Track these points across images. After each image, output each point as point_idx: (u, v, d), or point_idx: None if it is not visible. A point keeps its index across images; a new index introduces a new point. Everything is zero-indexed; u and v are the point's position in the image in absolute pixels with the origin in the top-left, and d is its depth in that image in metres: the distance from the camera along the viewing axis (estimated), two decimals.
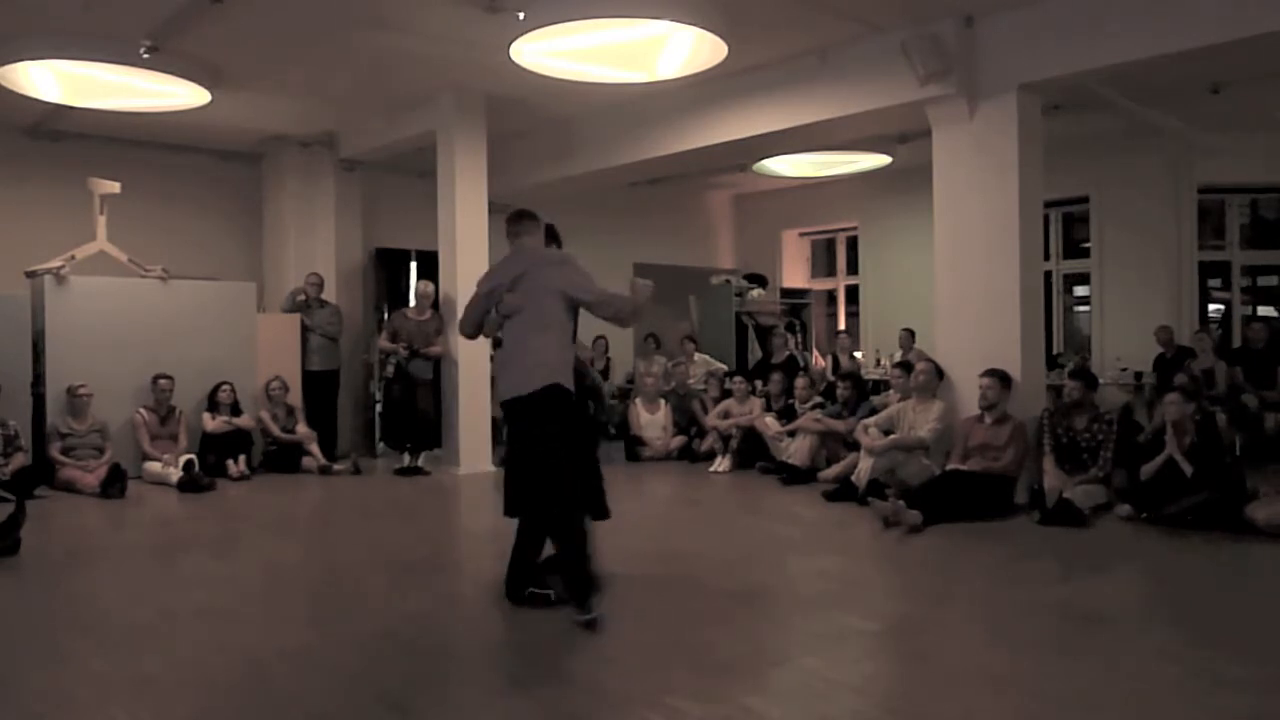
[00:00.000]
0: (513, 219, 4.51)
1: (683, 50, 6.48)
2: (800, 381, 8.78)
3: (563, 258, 4.43)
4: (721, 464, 8.58)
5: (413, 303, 9.09)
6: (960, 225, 6.92)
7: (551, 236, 4.83)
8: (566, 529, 4.08)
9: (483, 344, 8.54)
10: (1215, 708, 3.04)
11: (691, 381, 10.15)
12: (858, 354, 11.35)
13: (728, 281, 12.32)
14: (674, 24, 6.01)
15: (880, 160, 10.29)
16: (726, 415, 9.00)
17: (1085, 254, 10.70)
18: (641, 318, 4.61)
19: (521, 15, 6.00)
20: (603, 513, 4.48)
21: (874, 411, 7.70)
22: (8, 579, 4.84)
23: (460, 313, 4.71)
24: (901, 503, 5.94)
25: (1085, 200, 10.44)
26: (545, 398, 4.14)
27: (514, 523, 4.35)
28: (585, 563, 4.04)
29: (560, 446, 4.14)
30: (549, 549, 4.27)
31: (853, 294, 13.04)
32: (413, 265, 10.56)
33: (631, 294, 4.33)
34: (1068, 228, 11.01)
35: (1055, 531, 5.74)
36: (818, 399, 8.61)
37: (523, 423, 4.24)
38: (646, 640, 3.79)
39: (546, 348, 4.21)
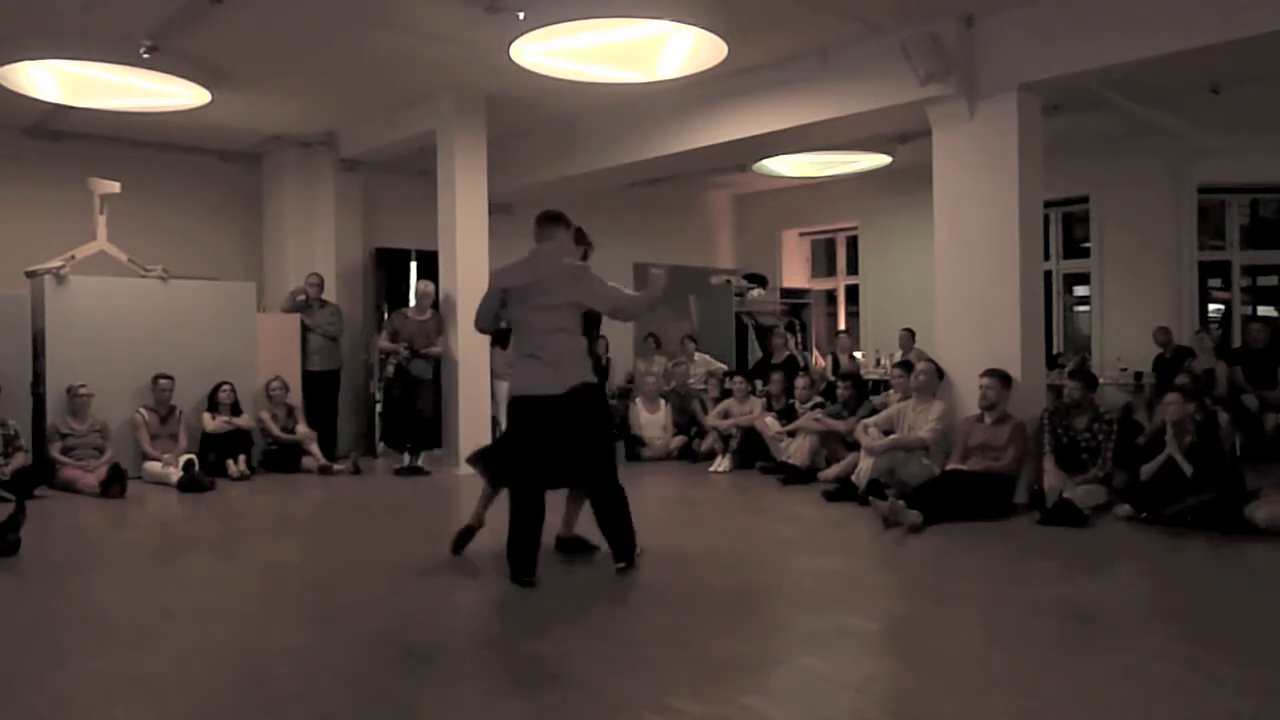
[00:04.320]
0: (540, 221, 4.74)
1: (683, 50, 6.48)
2: (800, 381, 8.78)
3: (579, 272, 4.64)
4: (721, 464, 8.58)
5: (413, 303, 9.09)
6: (960, 225, 6.91)
7: (580, 240, 5.08)
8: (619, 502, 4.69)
9: (483, 344, 8.61)
10: (1215, 708, 3.03)
11: (691, 381, 10.15)
12: (858, 354, 11.35)
13: (728, 281, 12.31)
14: (674, 24, 6.01)
15: (880, 160, 10.29)
16: (726, 415, 9.00)
17: (1085, 254, 10.70)
18: (654, 309, 5.07)
19: (521, 15, 6.01)
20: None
21: (874, 411, 7.70)
22: (8, 579, 4.84)
23: (461, 310, 4.99)
24: (901, 503, 5.94)
25: (1085, 200, 10.44)
26: (580, 396, 4.52)
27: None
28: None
29: (608, 436, 4.71)
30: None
31: (853, 294, 13.04)
32: (413, 265, 10.56)
33: (648, 291, 4.83)
34: (1068, 228, 11.02)
35: (1055, 531, 5.74)
36: (818, 399, 8.61)
37: (560, 421, 4.55)
38: (646, 640, 3.79)
39: (572, 350, 4.59)
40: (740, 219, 13.72)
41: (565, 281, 4.55)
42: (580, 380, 4.53)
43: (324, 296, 9.45)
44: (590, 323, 4.95)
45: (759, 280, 12.54)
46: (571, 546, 5.14)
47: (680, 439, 9.42)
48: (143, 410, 8.18)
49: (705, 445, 9.10)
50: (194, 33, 6.66)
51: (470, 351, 8.55)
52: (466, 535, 5.16)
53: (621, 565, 4.69)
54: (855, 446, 7.35)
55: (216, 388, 8.45)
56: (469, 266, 8.53)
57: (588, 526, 5.07)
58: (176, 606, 4.30)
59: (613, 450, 4.80)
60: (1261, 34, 5.57)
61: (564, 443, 4.56)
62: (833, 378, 9.52)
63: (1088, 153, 9.79)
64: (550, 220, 4.70)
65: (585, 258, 5.10)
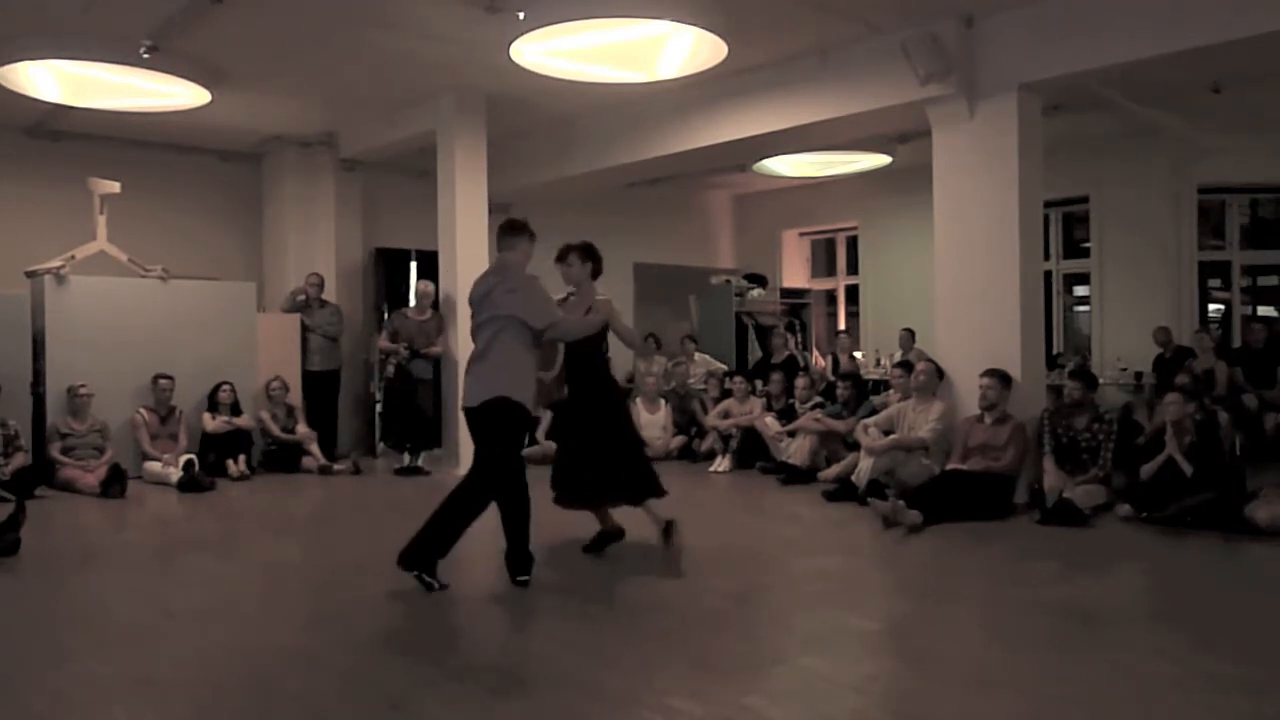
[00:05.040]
0: (500, 231, 4.70)
1: (683, 50, 6.48)
2: (800, 381, 8.78)
3: (518, 284, 4.52)
4: (721, 464, 8.58)
5: (413, 303, 9.09)
6: (960, 225, 6.91)
7: (589, 257, 5.00)
8: (517, 513, 4.50)
9: None
10: (1215, 708, 3.04)
11: (691, 381, 10.15)
12: (858, 354, 11.35)
13: (728, 281, 12.32)
14: (674, 24, 6.01)
15: (880, 160, 10.29)
16: (726, 415, 9.00)
17: (1085, 254, 10.70)
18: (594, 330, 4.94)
19: (522, 15, 6.01)
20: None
21: (874, 411, 7.70)
22: (8, 579, 4.84)
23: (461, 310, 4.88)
24: (901, 502, 5.94)
25: (1085, 200, 10.44)
26: (491, 411, 4.44)
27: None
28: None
29: (514, 452, 4.55)
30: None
31: (853, 294, 13.04)
32: (413, 265, 10.56)
33: (589, 318, 4.82)
34: (1068, 228, 11.02)
35: (1055, 531, 5.74)
36: (818, 399, 8.61)
37: (476, 432, 4.56)
38: (646, 640, 3.79)
39: (501, 364, 4.48)
40: (740, 219, 13.72)
41: (505, 294, 4.50)
42: (493, 394, 4.44)
43: (324, 296, 9.45)
44: (591, 339, 4.94)
45: (759, 280, 12.54)
46: (609, 539, 5.20)
47: (680, 439, 9.42)
48: (143, 410, 8.17)
49: (705, 445, 9.10)
50: (194, 33, 6.66)
51: (470, 352, 8.54)
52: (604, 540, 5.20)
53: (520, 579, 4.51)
54: (855, 446, 7.35)
55: (216, 388, 8.45)
56: (469, 266, 8.49)
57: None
58: (176, 606, 4.30)
59: (501, 467, 4.52)
60: (1261, 34, 5.57)
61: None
62: (833, 378, 9.51)
63: (1088, 153, 9.79)
64: (511, 230, 4.65)
65: (595, 275, 5.05)
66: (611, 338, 5.18)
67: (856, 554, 5.47)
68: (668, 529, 4.77)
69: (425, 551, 4.39)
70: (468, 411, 4.57)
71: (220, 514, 6.90)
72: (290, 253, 9.95)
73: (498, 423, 4.47)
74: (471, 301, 4.69)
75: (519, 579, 4.48)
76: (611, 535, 5.21)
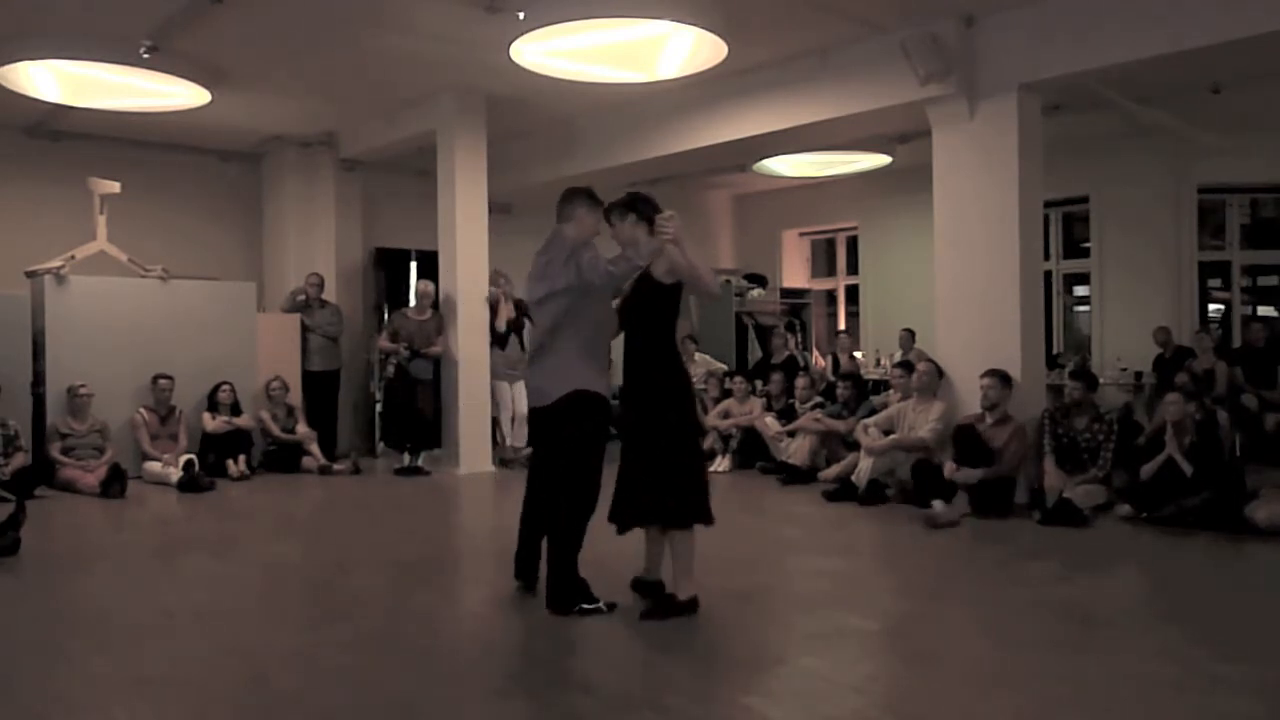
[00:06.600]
0: (559, 201, 4.21)
1: (683, 50, 6.49)
2: (800, 381, 8.78)
3: (571, 251, 4.02)
4: (721, 464, 8.57)
5: (413, 302, 9.09)
6: (960, 225, 6.92)
7: (631, 208, 4.17)
8: (573, 531, 4.06)
9: (483, 344, 8.63)
10: (1215, 708, 3.04)
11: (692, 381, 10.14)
12: (858, 354, 11.35)
13: (728, 281, 12.30)
14: (674, 24, 6.02)
15: (880, 160, 10.29)
16: (726, 415, 9.00)
17: (1085, 254, 10.70)
18: (685, 275, 4.07)
19: (522, 15, 6.01)
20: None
21: (874, 411, 7.70)
22: (8, 579, 4.84)
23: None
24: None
25: (1085, 200, 10.44)
26: (568, 407, 4.04)
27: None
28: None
29: (595, 452, 4.05)
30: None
31: (853, 294, 13.04)
32: (413, 265, 10.56)
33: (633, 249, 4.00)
34: (1068, 228, 11.01)
35: (1055, 531, 5.74)
36: (818, 399, 8.61)
37: (548, 432, 4.17)
38: (647, 640, 3.79)
39: (567, 353, 4.07)
40: (740, 219, 13.72)
41: (557, 269, 4.01)
42: (571, 388, 3.99)
43: (324, 296, 9.45)
44: (666, 301, 4.13)
45: (759, 280, 12.53)
46: (647, 590, 4.20)
47: None
48: (143, 410, 8.17)
49: (705, 445, 9.09)
50: (194, 33, 6.66)
51: (470, 351, 8.55)
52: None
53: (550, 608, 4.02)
54: (855, 446, 7.35)
55: (216, 388, 8.45)
56: (469, 266, 8.53)
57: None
58: (176, 606, 4.29)
59: (580, 476, 4.02)
60: (1261, 34, 5.57)
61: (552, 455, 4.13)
62: (833, 378, 9.50)
63: (1088, 153, 9.78)
64: (564, 200, 4.14)
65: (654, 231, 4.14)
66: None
67: (856, 554, 5.47)
68: (671, 607, 3.95)
69: (554, 586, 4.02)
70: (539, 411, 4.15)
71: (220, 514, 6.90)
72: (290, 253, 9.95)
73: (575, 420, 4.01)
74: (529, 279, 4.22)
75: (520, 584, 4.45)
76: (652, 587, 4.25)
